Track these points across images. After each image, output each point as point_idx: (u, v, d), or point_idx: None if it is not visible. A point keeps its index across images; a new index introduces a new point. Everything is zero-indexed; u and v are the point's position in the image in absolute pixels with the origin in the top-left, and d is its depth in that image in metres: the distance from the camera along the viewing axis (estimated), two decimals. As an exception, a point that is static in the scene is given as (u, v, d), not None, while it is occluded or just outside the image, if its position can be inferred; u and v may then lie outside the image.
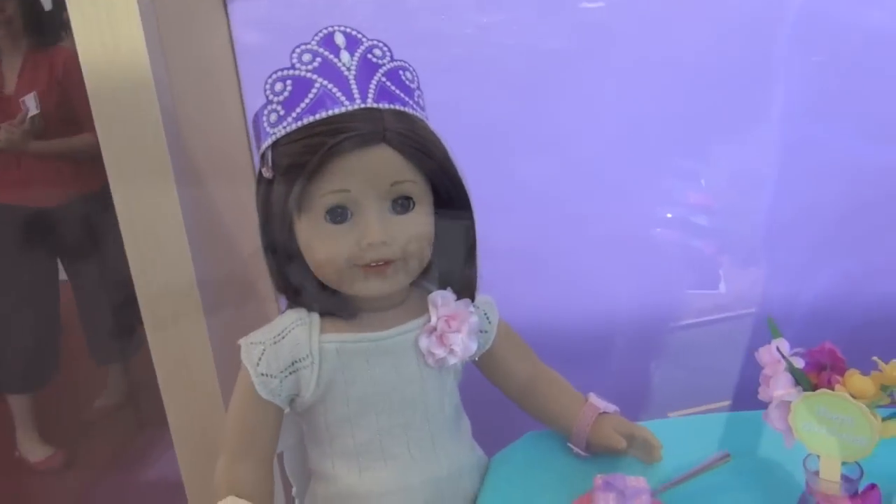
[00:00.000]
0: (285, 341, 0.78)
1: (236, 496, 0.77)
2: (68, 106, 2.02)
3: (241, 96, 1.10)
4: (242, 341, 0.80)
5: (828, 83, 1.04)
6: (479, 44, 1.08)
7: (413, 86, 0.78)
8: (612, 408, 0.88)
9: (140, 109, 0.85)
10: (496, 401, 0.94)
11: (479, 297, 0.87)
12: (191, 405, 0.98)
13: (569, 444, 0.89)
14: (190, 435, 1.00)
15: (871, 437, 0.63)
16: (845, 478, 0.66)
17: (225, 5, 1.06)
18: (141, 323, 0.94)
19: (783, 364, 0.69)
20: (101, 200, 2.27)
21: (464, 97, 1.08)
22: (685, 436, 0.88)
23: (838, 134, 1.02)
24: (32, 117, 2.02)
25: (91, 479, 2.17)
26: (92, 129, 2.30)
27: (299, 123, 0.73)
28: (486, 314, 0.88)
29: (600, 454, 0.86)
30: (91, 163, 2.15)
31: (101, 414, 2.41)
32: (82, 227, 2.18)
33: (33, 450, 2.20)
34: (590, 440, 0.86)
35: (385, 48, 0.77)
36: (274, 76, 0.74)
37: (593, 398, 0.89)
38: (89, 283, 2.28)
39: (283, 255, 0.79)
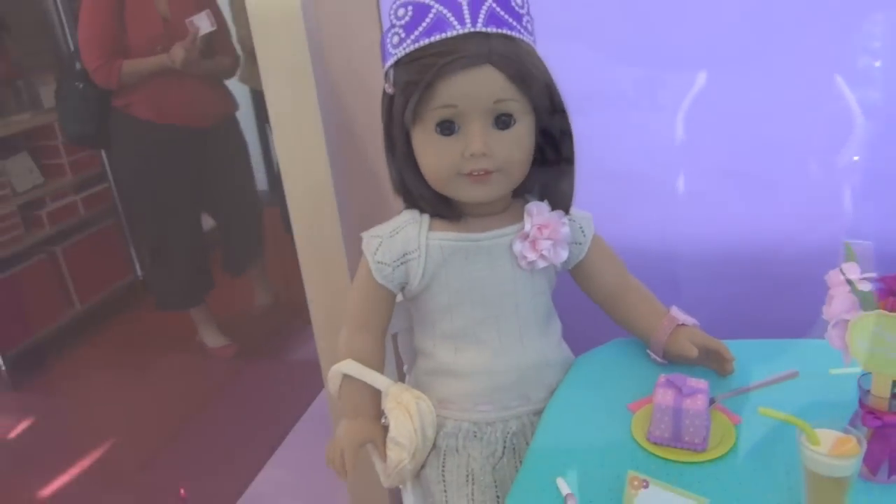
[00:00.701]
0: (399, 236, 0.91)
1: (354, 360, 0.93)
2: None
3: (379, 17, 1.20)
4: (364, 234, 0.94)
5: None
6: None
7: (522, 11, 0.85)
8: (690, 320, 0.94)
9: (290, 27, 0.99)
10: (590, 308, 1.03)
11: (577, 212, 0.95)
12: (328, 289, 1.15)
13: (648, 352, 0.96)
14: (326, 315, 1.18)
15: (921, 359, 0.66)
16: (894, 396, 0.70)
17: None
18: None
19: (847, 285, 0.72)
20: (235, 123, 2.45)
21: (583, 24, 1.13)
22: (759, 356, 0.93)
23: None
24: (204, 36, 2.14)
25: (254, 361, 2.50)
26: (226, 52, 2.38)
27: (417, 45, 0.83)
28: (581, 228, 0.96)
29: (677, 363, 0.93)
30: (225, 86, 2.34)
31: (260, 312, 2.74)
32: (226, 148, 2.37)
33: (213, 338, 2.53)
34: (667, 349, 0.93)
35: (497, -26, 0.84)
36: (397, 2, 0.85)
37: (675, 310, 0.95)
38: (229, 201, 2.49)
39: (401, 161, 0.91)
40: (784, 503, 0.71)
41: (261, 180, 4.10)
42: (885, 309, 0.70)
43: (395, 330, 1.05)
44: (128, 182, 2.52)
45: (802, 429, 0.65)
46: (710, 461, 0.78)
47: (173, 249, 2.38)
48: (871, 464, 0.71)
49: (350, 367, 0.93)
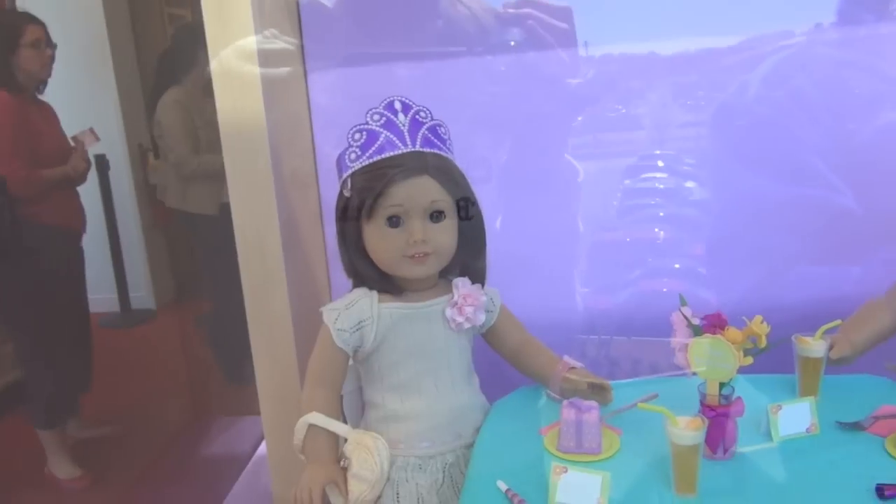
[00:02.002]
0: (354, 308, 1.15)
1: (316, 413, 1.13)
2: None
3: (312, 137, 1.48)
4: (324, 308, 1.17)
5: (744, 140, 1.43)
6: (490, 106, 1.48)
7: (446, 137, 1.16)
8: (579, 364, 1.23)
9: (255, 141, 1.24)
10: (499, 366, 1.30)
11: (488, 288, 1.24)
12: (277, 367, 1.34)
13: (548, 392, 1.24)
14: (275, 392, 1.36)
15: (734, 366, 0.98)
16: (723, 395, 1.02)
17: (305, 76, 1.46)
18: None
19: (685, 322, 1.05)
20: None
21: (479, 145, 1.47)
22: (640, 390, 1.23)
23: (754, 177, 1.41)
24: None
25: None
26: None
27: (371, 160, 1.11)
28: (491, 299, 1.24)
29: (571, 397, 1.21)
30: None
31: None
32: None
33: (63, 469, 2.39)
34: (563, 387, 1.21)
35: (427, 111, 1.15)
36: (354, 128, 1.13)
37: (566, 358, 1.24)
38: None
39: (352, 250, 1.16)
40: (657, 476, 0.99)
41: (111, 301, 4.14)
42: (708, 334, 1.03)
43: (343, 392, 1.25)
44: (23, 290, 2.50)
45: (667, 415, 0.94)
46: (605, 459, 1.05)
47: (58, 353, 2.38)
48: (711, 445, 1.01)
49: (316, 417, 1.12)
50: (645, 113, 1.50)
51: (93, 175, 3.70)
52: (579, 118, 1.52)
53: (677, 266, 1.53)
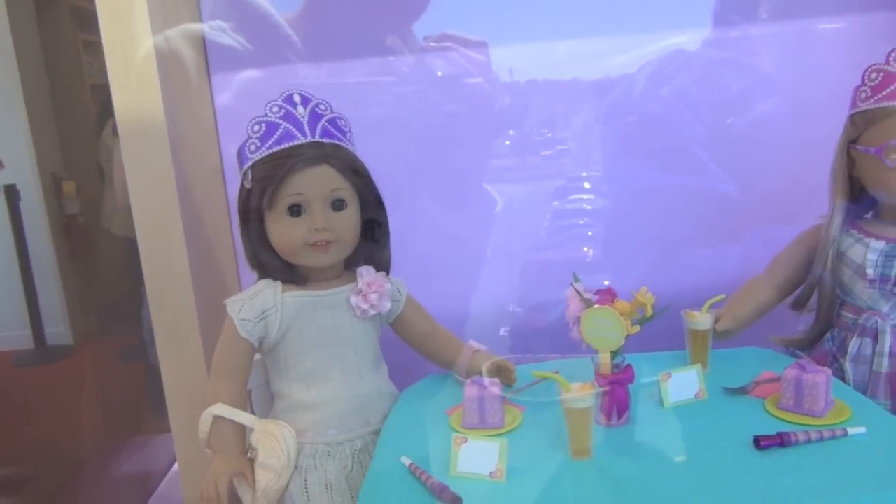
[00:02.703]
0: (258, 298, 1.15)
1: (221, 404, 1.12)
2: None
3: (217, 136, 1.49)
4: (227, 301, 1.16)
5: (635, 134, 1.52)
6: (396, 106, 1.52)
7: (346, 129, 1.19)
8: (483, 347, 1.27)
9: (155, 144, 1.23)
10: (411, 355, 1.32)
11: (394, 278, 1.26)
12: (183, 364, 1.32)
13: (455, 376, 1.27)
14: (181, 392, 1.33)
15: (621, 334, 1.03)
16: (614, 364, 1.06)
17: (209, 75, 1.47)
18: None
19: (578, 297, 1.10)
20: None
21: (383, 145, 1.50)
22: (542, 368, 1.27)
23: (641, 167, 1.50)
24: None
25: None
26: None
27: (270, 151, 1.12)
28: (398, 288, 1.26)
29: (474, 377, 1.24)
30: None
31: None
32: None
33: None
34: (468, 369, 1.24)
35: (327, 104, 1.18)
36: (253, 120, 1.14)
37: (471, 342, 1.27)
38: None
39: (255, 240, 1.17)
40: (555, 446, 1.02)
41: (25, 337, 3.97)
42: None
43: (251, 386, 1.24)
44: None
45: (560, 381, 0.98)
46: (507, 432, 1.07)
47: None
48: (606, 411, 1.05)
49: (221, 409, 1.11)
50: (570, 135, 1.57)
51: (1, 205, 3.59)
52: (507, 143, 1.58)
53: (606, 283, 1.60)
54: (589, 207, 1.57)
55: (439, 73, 1.52)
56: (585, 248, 1.61)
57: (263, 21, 1.47)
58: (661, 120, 1.49)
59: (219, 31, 1.41)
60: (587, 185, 1.57)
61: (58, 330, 4.22)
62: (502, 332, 1.65)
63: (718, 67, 1.48)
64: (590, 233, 1.59)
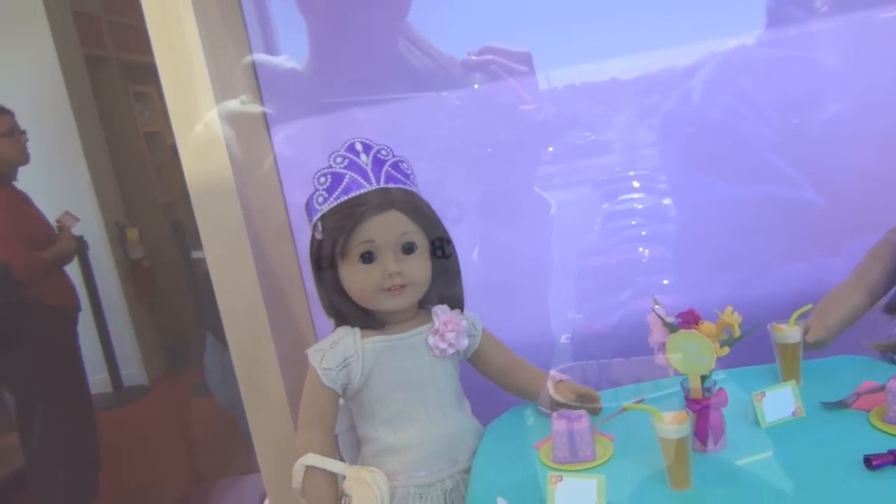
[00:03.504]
0: (338, 346, 1.16)
1: (312, 454, 1.13)
2: None
3: (281, 189, 1.51)
4: (309, 350, 1.18)
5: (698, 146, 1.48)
6: (450, 140, 1.52)
7: (409, 171, 1.20)
8: (565, 377, 1.25)
9: (225, 198, 1.26)
10: (490, 390, 1.31)
11: (468, 313, 1.26)
12: (269, 416, 1.34)
13: (539, 407, 1.26)
14: (271, 443, 1.36)
15: (711, 358, 1.01)
16: (705, 388, 1.04)
17: (268, 128, 1.50)
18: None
19: (660, 322, 1.07)
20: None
21: (440, 179, 1.51)
22: (627, 396, 1.25)
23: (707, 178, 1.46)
24: None
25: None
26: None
27: (338, 201, 1.14)
28: (473, 323, 1.26)
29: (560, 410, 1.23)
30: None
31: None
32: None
33: None
34: (552, 402, 1.22)
35: (388, 149, 1.19)
36: (319, 172, 1.16)
37: (553, 372, 1.26)
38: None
39: (330, 289, 1.18)
40: (653, 477, 1.00)
41: (102, 381, 4.11)
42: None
43: (337, 431, 1.26)
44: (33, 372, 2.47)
45: (652, 412, 0.96)
46: (600, 465, 1.06)
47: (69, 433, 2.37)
48: (701, 437, 1.03)
49: (312, 458, 1.13)
50: (613, 137, 1.55)
51: (72, 256, 3.74)
52: (550, 149, 1.57)
53: (666, 282, 1.57)
54: (651, 225, 1.54)
55: (487, 95, 1.52)
56: (641, 249, 1.58)
57: (315, 69, 1.49)
58: (724, 127, 1.45)
59: (267, 87, 1.44)
60: (642, 196, 1.55)
61: (132, 371, 4.36)
62: (563, 339, 1.63)
63: (780, 66, 1.43)
64: (644, 233, 1.57)
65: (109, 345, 4.18)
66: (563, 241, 1.59)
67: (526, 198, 1.59)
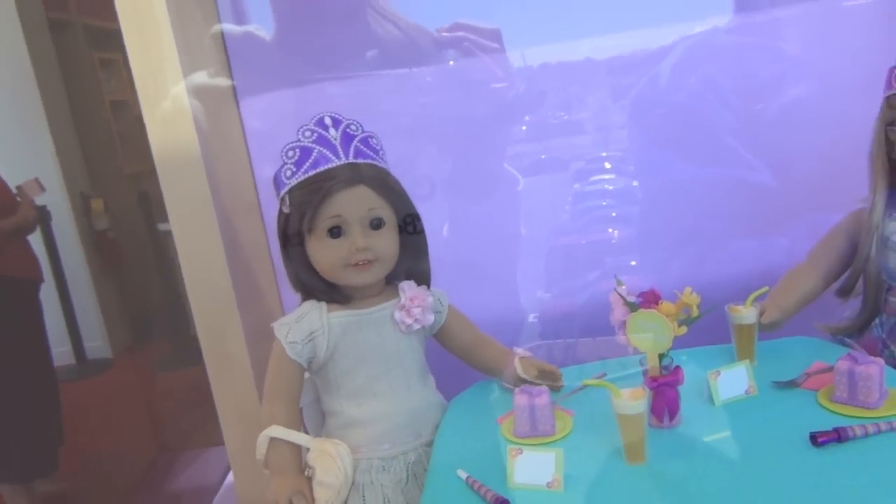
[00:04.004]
0: (304, 320, 1.17)
1: (277, 426, 1.14)
2: None
3: (250, 163, 1.51)
4: (275, 324, 1.18)
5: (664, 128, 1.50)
6: (423, 116, 1.52)
7: (378, 147, 1.20)
8: (529, 354, 1.27)
9: (191, 171, 1.25)
10: (455, 366, 1.33)
11: (435, 289, 1.27)
12: (234, 390, 1.35)
13: (503, 383, 1.28)
14: (236, 413, 1.36)
15: (669, 337, 1.04)
16: (663, 366, 1.07)
17: (237, 101, 1.48)
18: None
19: (622, 301, 1.10)
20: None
21: (412, 155, 1.51)
22: (588, 373, 1.28)
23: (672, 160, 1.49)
24: None
25: None
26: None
27: (306, 175, 1.13)
28: (439, 300, 1.27)
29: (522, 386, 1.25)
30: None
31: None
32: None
33: None
34: (515, 378, 1.25)
35: (357, 124, 1.19)
36: (287, 146, 1.15)
37: (516, 349, 1.28)
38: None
39: (297, 263, 1.18)
40: (609, 451, 1.03)
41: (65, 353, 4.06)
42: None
43: (302, 404, 1.27)
44: None
45: (610, 388, 0.99)
46: (559, 439, 1.08)
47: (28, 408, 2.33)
48: (657, 413, 1.06)
49: (276, 430, 1.13)
50: (586, 118, 1.56)
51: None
52: (523, 128, 1.58)
53: (633, 263, 1.60)
54: (620, 206, 1.57)
55: (454, 64, 1.52)
56: (611, 230, 1.61)
57: (285, 42, 1.48)
58: (689, 111, 1.48)
59: (236, 58, 1.42)
60: (613, 178, 1.57)
61: (96, 344, 4.30)
62: (531, 318, 1.66)
63: (745, 53, 1.46)
64: (614, 213, 1.59)
65: (73, 317, 4.12)
66: (534, 220, 1.61)
67: (496, 175, 1.60)
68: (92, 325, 4.28)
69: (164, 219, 1.31)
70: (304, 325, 1.16)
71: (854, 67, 1.42)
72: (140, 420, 3.30)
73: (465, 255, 1.59)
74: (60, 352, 4.02)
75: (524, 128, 1.58)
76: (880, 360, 1.01)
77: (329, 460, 1.12)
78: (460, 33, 1.50)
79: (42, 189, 2.59)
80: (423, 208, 1.23)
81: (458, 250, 1.58)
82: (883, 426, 0.95)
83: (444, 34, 1.51)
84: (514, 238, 1.63)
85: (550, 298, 1.66)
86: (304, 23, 1.49)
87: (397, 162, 1.23)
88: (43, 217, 3.65)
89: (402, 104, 1.56)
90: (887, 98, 1.20)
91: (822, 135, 1.45)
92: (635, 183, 1.58)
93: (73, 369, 4.13)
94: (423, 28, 1.53)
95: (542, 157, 1.59)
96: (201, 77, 1.31)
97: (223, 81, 1.41)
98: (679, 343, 1.22)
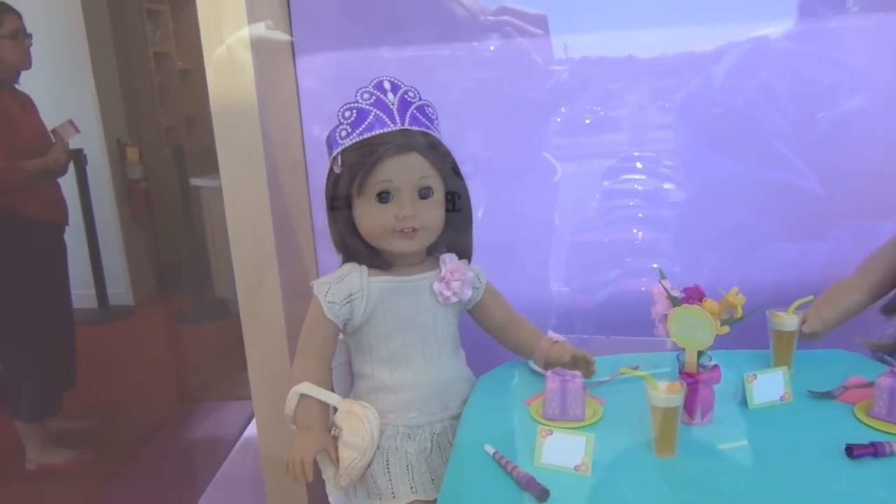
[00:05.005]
0: (344, 281, 1.17)
1: (308, 382, 1.15)
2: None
3: (300, 121, 1.51)
4: (315, 282, 1.19)
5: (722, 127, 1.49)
6: (476, 91, 1.51)
7: (434, 116, 1.19)
8: (562, 338, 1.27)
9: (246, 123, 1.26)
10: (486, 343, 1.33)
11: (474, 265, 1.27)
12: (266, 347, 1.36)
13: (532, 366, 1.28)
14: (265, 371, 1.37)
15: (711, 334, 1.03)
16: (700, 364, 1.06)
17: (294, 60, 1.48)
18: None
19: (665, 294, 1.09)
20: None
21: (463, 129, 1.50)
22: (623, 363, 1.27)
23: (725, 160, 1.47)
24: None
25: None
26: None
27: (361, 137, 1.13)
28: (478, 276, 1.27)
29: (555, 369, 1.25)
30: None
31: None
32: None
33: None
34: (547, 360, 1.24)
35: (415, 91, 1.18)
36: (344, 106, 1.15)
37: (550, 332, 1.28)
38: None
39: (342, 225, 1.18)
40: (638, 442, 1.02)
41: (88, 297, 4.12)
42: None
43: (332, 365, 1.27)
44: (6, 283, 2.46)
45: (647, 378, 0.98)
46: (588, 425, 1.08)
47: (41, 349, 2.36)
48: (690, 410, 1.05)
49: (307, 387, 1.14)
50: (624, 114, 1.54)
51: (70, 169, 3.71)
52: (558, 119, 1.56)
53: (655, 266, 1.58)
54: (669, 201, 1.55)
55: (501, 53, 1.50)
56: (635, 231, 1.59)
57: (348, 4, 1.47)
58: (742, 114, 1.46)
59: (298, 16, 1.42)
60: (667, 181, 1.56)
61: (119, 291, 4.36)
62: (549, 314, 1.65)
63: (804, 61, 1.43)
64: (641, 214, 1.58)
65: (99, 262, 4.16)
66: (564, 211, 1.61)
67: (534, 161, 1.59)
68: (117, 273, 4.33)
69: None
70: (343, 286, 1.17)
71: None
72: (157, 369, 3.34)
73: (499, 236, 1.58)
74: (84, 294, 4.08)
75: (559, 119, 1.57)
76: (924, 380, 1.00)
77: (357, 422, 1.12)
78: (505, 17, 1.49)
79: (76, 131, 2.59)
80: (468, 185, 1.22)
81: (494, 230, 1.57)
82: (922, 446, 0.94)
83: (490, 17, 1.50)
84: (548, 224, 1.62)
85: (569, 293, 1.65)
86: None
87: (444, 136, 1.23)
88: (78, 160, 3.69)
89: (455, 79, 1.55)
90: None
91: (877, 147, 1.43)
92: (667, 186, 1.56)
93: (94, 313, 4.18)
94: (480, 5, 1.52)
95: (579, 150, 1.59)
96: (262, 29, 1.31)
97: (283, 36, 1.41)
98: (715, 344, 1.22)
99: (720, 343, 1.20)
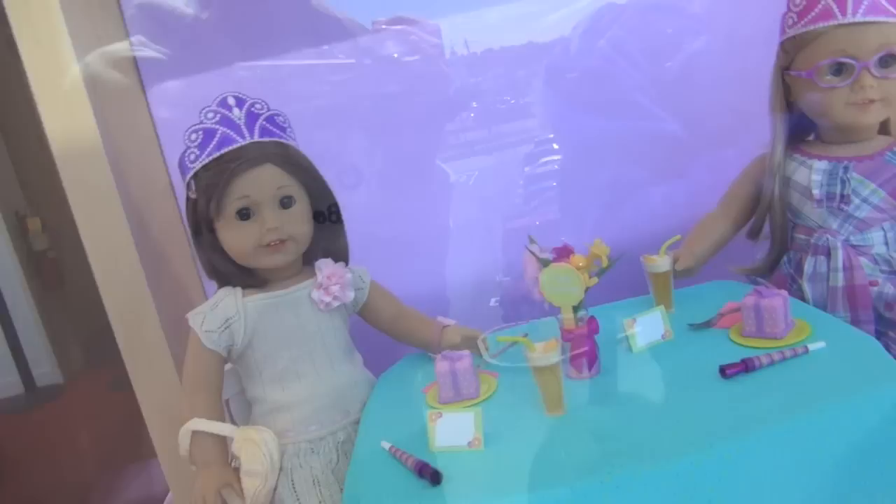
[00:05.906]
0: (219, 307, 1.15)
1: (197, 418, 1.12)
2: None
3: (160, 148, 1.47)
4: (189, 314, 1.16)
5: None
6: (333, 95, 1.51)
7: (285, 125, 1.18)
8: (452, 322, 1.27)
9: (94, 167, 1.22)
10: (381, 342, 1.32)
11: (355, 266, 1.26)
12: (156, 380, 1.32)
13: (428, 354, 1.28)
14: (158, 407, 1.33)
15: (580, 288, 1.04)
16: (578, 318, 1.08)
17: (144, 91, 1.45)
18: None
19: (535, 258, 1.10)
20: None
21: (326, 136, 1.50)
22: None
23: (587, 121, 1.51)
24: None
25: None
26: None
27: (210, 157, 1.11)
28: (360, 276, 1.26)
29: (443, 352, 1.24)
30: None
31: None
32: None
33: None
34: (441, 347, 1.24)
35: (263, 103, 1.17)
36: (189, 129, 1.13)
37: (440, 318, 1.28)
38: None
39: (208, 249, 1.16)
40: (530, 408, 1.03)
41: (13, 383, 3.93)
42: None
43: (227, 396, 1.24)
44: None
45: (524, 342, 0.99)
46: (483, 401, 1.08)
47: None
48: (576, 364, 1.07)
49: (198, 423, 1.11)
50: (515, 99, 1.57)
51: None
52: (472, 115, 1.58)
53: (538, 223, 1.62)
54: (555, 168, 1.58)
55: (394, 55, 1.51)
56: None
57: (192, 27, 1.45)
58: (600, 73, 1.50)
59: (140, 46, 1.39)
60: (554, 146, 1.59)
61: (45, 371, 4.17)
62: (492, 302, 1.66)
63: (649, 14, 1.48)
64: (554, 183, 1.61)
65: (17, 343, 3.99)
66: (479, 204, 1.63)
67: (430, 169, 1.60)
68: (39, 351, 4.15)
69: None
70: (219, 312, 1.14)
71: (754, 20, 1.45)
72: (90, 443, 3.21)
73: (415, 244, 1.60)
74: (7, 382, 3.90)
75: (471, 115, 1.59)
76: (784, 292, 1.04)
77: (254, 448, 1.10)
78: (400, 26, 1.50)
79: None
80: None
81: (406, 237, 1.59)
82: (787, 353, 0.98)
83: (382, 26, 1.51)
84: (467, 224, 1.65)
85: (510, 281, 1.66)
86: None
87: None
88: (-26, 240, 3.54)
89: (323, 95, 1.54)
90: (782, 44, 1.23)
91: (727, 85, 1.49)
92: (556, 146, 1.59)
93: (20, 399, 3.99)
94: (358, 18, 1.52)
95: (481, 144, 1.61)
96: (100, 66, 1.28)
97: (124, 70, 1.38)
98: (602, 299, 1.24)
99: (608, 296, 1.24)
